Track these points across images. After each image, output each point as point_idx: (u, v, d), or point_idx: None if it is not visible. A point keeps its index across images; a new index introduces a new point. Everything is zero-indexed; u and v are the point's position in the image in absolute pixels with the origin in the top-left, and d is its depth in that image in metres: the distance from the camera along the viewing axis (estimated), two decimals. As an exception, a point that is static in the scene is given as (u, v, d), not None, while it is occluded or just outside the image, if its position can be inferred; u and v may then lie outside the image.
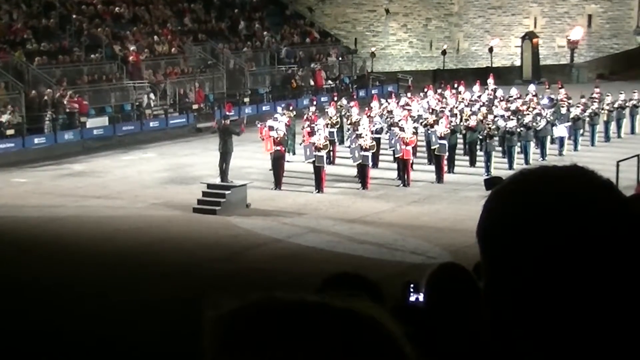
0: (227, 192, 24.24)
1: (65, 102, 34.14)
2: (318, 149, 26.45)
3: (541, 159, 29.21)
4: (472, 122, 29.30)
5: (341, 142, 32.47)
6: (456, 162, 28.59)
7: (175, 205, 24.54)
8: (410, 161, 27.31)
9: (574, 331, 1.35)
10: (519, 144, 28.99)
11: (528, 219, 1.36)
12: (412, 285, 4.47)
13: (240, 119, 27.14)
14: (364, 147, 26.83)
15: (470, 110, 31.50)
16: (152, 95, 37.69)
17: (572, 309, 1.35)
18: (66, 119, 34.14)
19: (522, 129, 29.04)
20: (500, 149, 29.35)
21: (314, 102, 34.37)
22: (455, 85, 38.07)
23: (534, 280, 1.36)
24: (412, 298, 4.42)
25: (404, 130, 27.48)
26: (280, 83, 43.33)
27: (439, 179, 27.25)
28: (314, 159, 26.53)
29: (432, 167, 28.09)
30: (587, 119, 32.43)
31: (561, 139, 30.77)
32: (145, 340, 14.23)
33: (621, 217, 1.37)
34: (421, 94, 36.59)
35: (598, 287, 1.34)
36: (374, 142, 27.65)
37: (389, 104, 33.76)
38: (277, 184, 26.51)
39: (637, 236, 1.37)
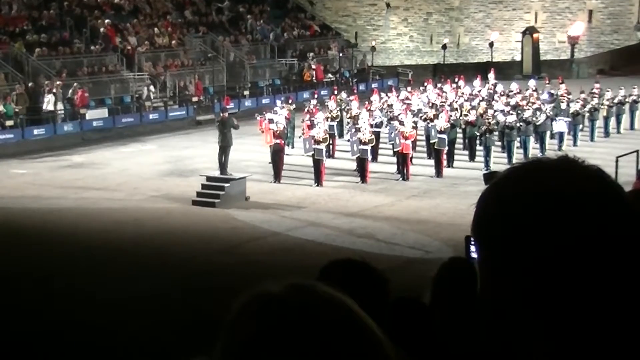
0: (226, 184, 24.23)
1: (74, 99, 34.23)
2: (317, 142, 26.45)
3: (540, 153, 29.18)
4: (472, 116, 29.31)
5: (341, 135, 32.48)
6: (455, 157, 28.59)
7: (174, 197, 24.54)
8: (410, 155, 27.31)
9: (576, 328, 1.35)
10: (518, 138, 28.99)
11: (520, 215, 1.37)
12: (472, 239, 4.41)
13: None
14: (363, 141, 26.83)
15: (470, 104, 31.51)
16: (152, 88, 37.65)
17: (573, 304, 1.35)
18: (68, 110, 34.16)
19: (521, 123, 29.04)
20: (499, 143, 29.36)
21: (315, 96, 34.35)
22: (456, 80, 38.07)
23: (530, 276, 1.36)
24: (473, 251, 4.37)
25: (403, 124, 27.48)
26: (285, 76, 43.32)
27: (438, 173, 27.25)
28: (313, 152, 26.52)
29: (432, 162, 28.09)
30: (587, 114, 32.43)
31: (561, 134, 30.78)
32: (144, 332, 14.24)
33: (614, 203, 1.38)
34: (421, 88, 36.60)
35: (597, 279, 1.34)
36: (373, 136, 27.64)
37: (389, 97, 33.76)
38: (277, 177, 26.51)
39: (631, 222, 1.37)
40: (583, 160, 1.42)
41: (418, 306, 3.87)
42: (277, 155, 26.68)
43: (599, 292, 1.34)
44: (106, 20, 39.34)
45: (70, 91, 34.45)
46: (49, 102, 33.39)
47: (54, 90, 33.78)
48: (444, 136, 27.74)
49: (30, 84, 34.02)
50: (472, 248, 4.44)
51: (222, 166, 24.78)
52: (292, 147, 30.48)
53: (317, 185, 26.05)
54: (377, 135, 28.66)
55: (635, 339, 1.35)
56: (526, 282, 1.36)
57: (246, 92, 40.95)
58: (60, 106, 33.76)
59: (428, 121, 29.38)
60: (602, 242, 1.34)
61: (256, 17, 46.16)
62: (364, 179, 26.59)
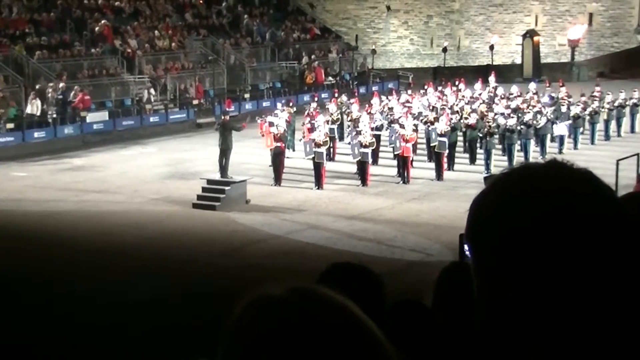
0: (226, 187, 24.24)
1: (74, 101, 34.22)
2: (318, 145, 26.46)
3: (541, 157, 29.18)
4: (472, 119, 29.31)
5: (341, 138, 32.49)
6: (456, 160, 28.60)
7: (175, 200, 24.54)
8: (410, 158, 27.31)
9: (574, 329, 1.36)
10: (519, 142, 29.00)
11: (515, 218, 1.38)
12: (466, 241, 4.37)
13: (244, 114, 26.67)
14: (363, 144, 26.84)
15: (471, 107, 31.52)
16: (152, 90, 37.67)
17: (570, 306, 1.35)
18: (69, 113, 34.17)
19: (522, 126, 29.04)
20: (500, 146, 29.36)
21: (315, 99, 34.38)
22: (456, 83, 38.07)
23: (526, 279, 1.37)
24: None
25: (404, 127, 27.49)
26: (286, 78, 43.36)
27: (439, 176, 27.25)
28: (313, 155, 26.53)
29: (432, 165, 28.10)
30: (587, 117, 32.44)
31: (561, 137, 30.78)
32: (145, 336, 14.24)
33: (606, 205, 1.39)
34: (421, 91, 36.61)
35: (593, 281, 1.35)
36: (374, 139, 27.65)
37: (389, 100, 33.78)
38: (277, 180, 26.51)
39: (623, 224, 1.38)
40: (572, 163, 1.43)
41: (420, 308, 3.88)
42: (277, 158, 26.69)
43: (595, 293, 1.35)
44: (102, 21, 39.40)
45: (72, 94, 34.48)
46: (34, 107, 33.07)
47: (49, 94, 33.76)
48: (445, 139, 27.74)
49: (38, 86, 34.01)
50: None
51: (223, 169, 24.78)
52: (293, 150, 30.48)
53: (318, 188, 26.05)
54: (377, 138, 28.66)
55: (633, 340, 1.35)
56: (523, 284, 1.36)
57: (247, 95, 40.97)
58: (51, 110, 33.63)
59: (428, 124, 29.39)
60: (595, 243, 1.35)
61: (254, 19, 46.19)
62: (364, 181, 26.60)
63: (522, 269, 1.36)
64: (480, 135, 28.69)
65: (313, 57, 44.62)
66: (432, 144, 28.65)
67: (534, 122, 29.63)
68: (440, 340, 3.63)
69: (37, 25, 38.18)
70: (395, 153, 27.86)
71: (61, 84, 34.30)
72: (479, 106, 31.78)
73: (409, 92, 37.04)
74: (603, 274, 1.35)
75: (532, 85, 36.92)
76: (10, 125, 32.69)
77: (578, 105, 32.45)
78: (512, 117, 29.42)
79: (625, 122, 34.12)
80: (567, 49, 51.11)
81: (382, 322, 2.28)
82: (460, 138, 29.72)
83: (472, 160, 29.05)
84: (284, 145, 27.29)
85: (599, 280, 1.35)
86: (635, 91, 34.71)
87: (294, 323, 1.26)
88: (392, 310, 3.74)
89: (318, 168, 26.30)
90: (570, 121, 31.53)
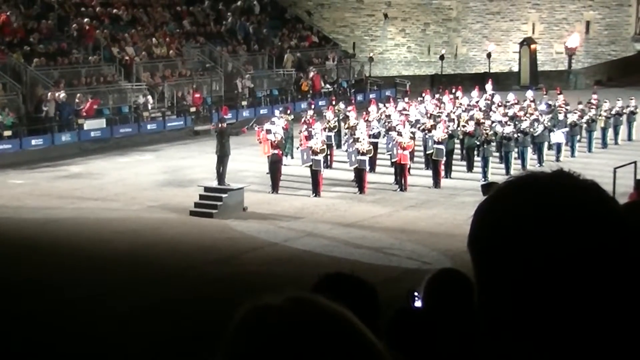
0: (224, 195, 24.23)
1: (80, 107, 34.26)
2: (315, 152, 26.46)
3: (538, 164, 29.22)
4: (470, 127, 29.34)
5: (338, 146, 32.47)
6: (453, 167, 28.61)
7: (172, 207, 24.53)
8: (408, 166, 27.32)
9: (572, 334, 1.36)
10: (516, 149, 29.00)
11: (517, 228, 1.38)
12: (415, 294, 4.42)
13: (239, 125, 26.46)
14: (361, 152, 26.84)
15: (468, 115, 31.54)
16: (149, 98, 37.67)
17: (571, 317, 1.36)
18: (68, 119, 34.17)
19: (519, 134, 29.06)
20: (497, 154, 29.37)
21: (312, 106, 34.38)
22: (453, 91, 38.09)
23: (527, 289, 1.37)
24: (418, 304, 4.38)
25: (401, 135, 27.51)
26: (284, 86, 43.36)
27: (436, 183, 27.27)
28: (311, 162, 26.53)
29: (429, 172, 28.10)
30: (585, 125, 32.46)
31: (558, 145, 30.79)
32: (141, 343, 14.22)
33: (609, 217, 1.39)
34: (419, 99, 36.63)
35: (594, 293, 1.35)
36: (371, 147, 27.65)
37: (386, 108, 33.79)
38: (274, 187, 26.51)
39: (625, 236, 1.38)
40: (579, 174, 1.43)
41: (420, 315, 3.89)
42: (275, 166, 26.70)
43: (597, 302, 1.35)
44: (85, 19, 39.42)
45: (77, 101, 34.54)
46: None
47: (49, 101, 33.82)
48: (442, 147, 27.76)
49: (56, 93, 34.07)
50: (417, 302, 4.42)
51: (220, 176, 24.77)
52: (292, 157, 30.49)
53: (315, 196, 26.05)
54: (374, 145, 28.67)
55: (634, 347, 1.36)
56: (526, 292, 1.37)
57: (244, 102, 40.97)
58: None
59: (426, 132, 29.41)
60: (599, 253, 1.35)
61: (238, 18, 46.19)
62: (361, 189, 26.60)
63: (525, 277, 1.36)
64: (478, 143, 28.71)
65: (298, 54, 44.51)
66: (429, 152, 28.67)
67: (531, 129, 29.64)
68: (436, 344, 3.64)
69: (35, 32, 38.16)
70: (393, 160, 27.88)
71: (62, 94, 34.34)
72: (476, 114, 31.80)
73: (406, 99, 37.05)
74: (605, 283, 1.35)
75: (529, 93, 36.93)
76: (7, 133, 32.68)
77: (575, 113, 32.47)
78: (509, 125, 29.43)
79: (622, 130, 34.14)
80: (564, 57, 51.16)
81: (376, 331, 2.29)
82: (458, 146, 29.74)
83: (470, 167, 29.07)
84: (281, 152, 27.30)
85: (601, 289, 1.35)
86: (632, 99, 34.74)
87: (292, 332, 1.27)
88: (394, 317, 3.75)
89: (315, 175, 26.30)
90: (567, 129, 31.55)
